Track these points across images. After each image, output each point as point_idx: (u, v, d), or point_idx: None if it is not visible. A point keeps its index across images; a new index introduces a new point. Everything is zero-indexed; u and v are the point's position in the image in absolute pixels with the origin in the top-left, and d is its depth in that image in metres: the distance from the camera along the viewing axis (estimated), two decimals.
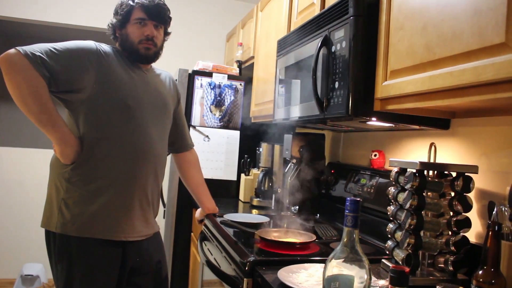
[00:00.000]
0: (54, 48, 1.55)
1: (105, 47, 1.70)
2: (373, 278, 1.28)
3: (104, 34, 1.96)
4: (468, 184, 1.30)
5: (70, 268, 1.59)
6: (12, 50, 1.48)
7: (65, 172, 1.61)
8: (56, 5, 3.73)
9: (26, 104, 1.51)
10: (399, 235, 1.35)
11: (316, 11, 1.92)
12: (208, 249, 2.05)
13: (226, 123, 3.02)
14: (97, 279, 1.61)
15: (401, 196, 1.35)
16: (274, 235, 1.75)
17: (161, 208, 2.47)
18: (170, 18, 1.82)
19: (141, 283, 1.78)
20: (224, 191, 3.02)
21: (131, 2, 1.72)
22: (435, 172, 1.39)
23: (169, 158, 2.90)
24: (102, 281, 1.63)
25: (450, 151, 1.58)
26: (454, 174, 1.36)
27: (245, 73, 3.20)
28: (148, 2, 1.72)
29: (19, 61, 1.47)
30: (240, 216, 2.12)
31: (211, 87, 2.98)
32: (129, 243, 1.68)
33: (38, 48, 1.52)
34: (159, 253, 1.86)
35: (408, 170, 1.36)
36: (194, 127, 2.94)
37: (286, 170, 2.39)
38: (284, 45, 2.07)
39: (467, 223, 1.29)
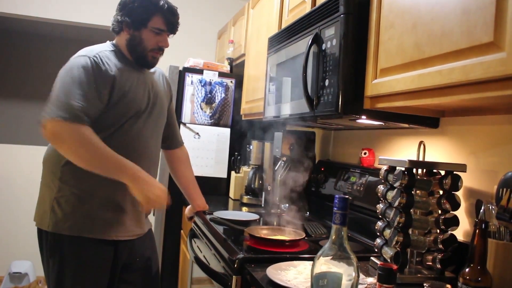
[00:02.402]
0: (79, 89, 1.51)
1: (103, 56, 1.62)
2: (361, 276, 1.28)
3: (98, 31, 1.92)
4: (456, 182, 1.31)
5: (61, 266, 1.58)
6: (53, 123, 1.46)
7: (57, 171, 1.60)
8: (54, 1, 3.68)
9: (93, 165, 1.52)
10: (387, 233, 1.36)
11: (307, 9, 1.92)
12: (197, 246, 2.04)
13: (217, 121, 3.01)
14: (89, 276, 1.61)
15: (390, 194, 1.36)
16: (264, 232, 1.74)
17: None
18: None
19: (132, 280, 1.77)
20: (214, 189, 3.01)
21: (152, 7, 1.67)
22: (424, 170, 1.40)
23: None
24: (94, 279, 1.62)
25: (439, 150, 1.59)
26: (442, 172, 1.37)
27: (236, 71, 3.20)
28: (171, 14, 1.70)
29: (65, 132, 1.47)
30: (229, 214, 2.12)
31: (202, 84, 2.97)
32: (121, 242, 1.67)
33: (69, 97, 1.49)
34: (150, 250, 1.86)
35: (397, 168, 1.36)
36: (184, 124, 2.93)
37: (276, 168, 2.39)
38: (275, 43, 2.07)
39: (455, 221, 1.30)
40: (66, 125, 1.47)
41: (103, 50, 1.66)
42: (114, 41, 1.75)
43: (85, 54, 1.60)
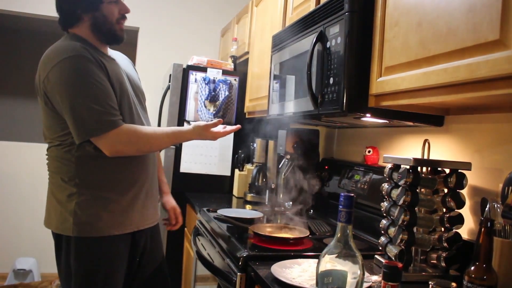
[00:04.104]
0: (98, 94, 1.51)
1: (85, 52, 1.54)
2: (366, 274, 1.28)
3: None
4: (461, 180, 1.31)
5: (91, 268, 1.56)
6: (102, 141, 1.50)
7: (72, 177, 1.56)
8: None
9: (156, 149, 1.73)
10: (392, 231, 1.36)
11: (311, 6, 1.92)
12: (201, 244, 2.05)
13: (220, 118, 3.00)
14: (117, 271, 1.61)
15: (395, 193, 1.36)
16: (268, 230, 1.75)
17: None
18: None
19: (152, 261, 1.83)
20: (218, 186, 3.01)
21: None
22: (429, 168, 1.39)
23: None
24: (121, 272, 1.63)
25: (443, 148, 1.59)
26: (447, 170, 1.37)
27: (239, 69, 3.19)
28: None
29: (116, 143, 1.52)
30: (233, 211, 2.12)
31: (206, 82, 2.97)
32: (139, 230, 1.70)
33: (95, 109, 1.48)
34: (158, 233, 1.90)
35: (402, 166, 1.36)
36: (188, 122, 2.93)
37: (280, 166, 2.39)
38: (279, 41, 2.06)
39: (459, 220, 1.30)
40: (110, 136, 1.50)
41: (77, 45, 1.55)
42: (73, 34, 1.63)
43: (71, 55, 1.50)
